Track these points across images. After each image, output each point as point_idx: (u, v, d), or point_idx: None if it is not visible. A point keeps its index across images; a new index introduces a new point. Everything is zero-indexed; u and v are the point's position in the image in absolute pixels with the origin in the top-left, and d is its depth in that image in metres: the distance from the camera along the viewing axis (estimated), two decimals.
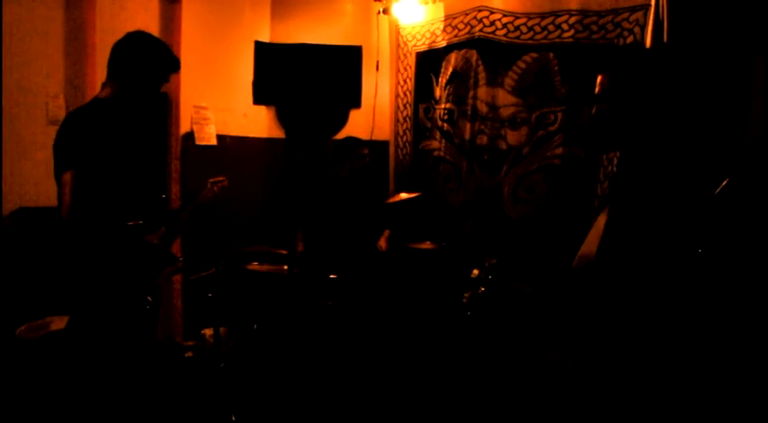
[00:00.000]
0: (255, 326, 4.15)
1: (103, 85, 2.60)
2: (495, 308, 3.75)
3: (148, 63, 2.58)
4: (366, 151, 4.77)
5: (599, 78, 2.05)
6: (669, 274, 1.79)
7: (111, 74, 2.58)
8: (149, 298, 2.62)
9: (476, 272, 3.84)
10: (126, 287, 2.54)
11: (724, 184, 1.74)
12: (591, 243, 2.02)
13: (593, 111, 2.06)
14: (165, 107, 4.35)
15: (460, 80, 4.65)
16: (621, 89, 1.96)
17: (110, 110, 2.52)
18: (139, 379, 2.71)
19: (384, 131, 5.31)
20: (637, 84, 1.95)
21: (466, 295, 3.83)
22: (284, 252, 3.95)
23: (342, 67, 5.26)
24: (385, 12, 5.16)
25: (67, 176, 2.32)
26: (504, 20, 4.33)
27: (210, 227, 4.23)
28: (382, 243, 4.66)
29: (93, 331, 2.54)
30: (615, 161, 3.80)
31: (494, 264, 3.81)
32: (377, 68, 5.27)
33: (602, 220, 2.04)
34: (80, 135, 2.41)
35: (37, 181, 3.57)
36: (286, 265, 3.87)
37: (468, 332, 3.86)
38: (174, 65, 2.70)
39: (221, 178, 3.13)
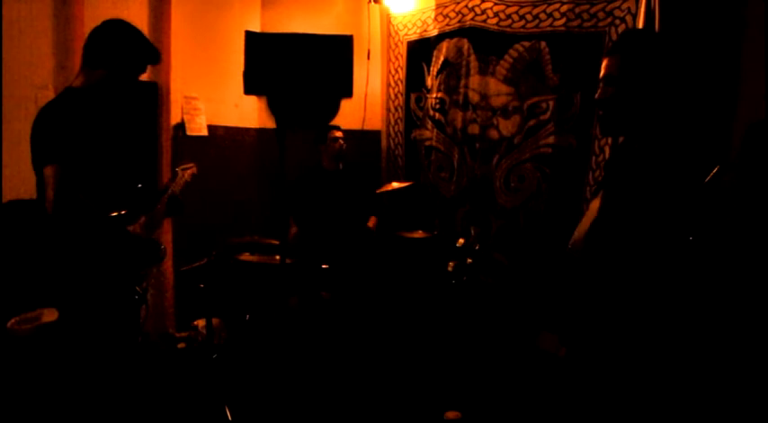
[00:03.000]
0: (248, 316, 4.15)
1: (78, 74, 2.55)
2: (479, 279, 3.77)
3: (124, 51, 2.52)
4: (339, 134, 4.75)
5: (605, 61, 2.02)
6: (660, 261, 1.80)
7: (85, 61, 2.53)
8: (137, 288, 2.61)
9: (461, 241, 3.85)
10: (114, 278, 2.53)
11: (714, 171, 1.75)
12: (584, 227, 2.02)
13: (598, 94, 2.03)
14: (154, 97, 4.31)
15: (452, 69, 4.64)
16: (633, 73, 1.95)
17: (85, 99, 2.47)
18: (130, 370, 2.70)
19: (376, 121, 5.31)
20: (648, 68, 1.93)
21: (451, 264, 3.85)
22: (276, 242, 3.94)
23: (333, 56, 5.23)
24: (376, 0, 5.15)
25: (49, 171, 2.29)
26: (496, 8, 4.31)
27: (202, 217, 4.22)
28: (371, 225, 4.67)
29: (84, 323, 2.53)
30: (607, 149, 3.80)
31: (479, 232, 3.82)
32: (368, 58, 5.26)
33: (595, 205, 2.04)
34: (56, 127, 2.37)
35: (27, 173, 3.54)
36: (278, 253, 3.87)
37: (455, 302, 3.88)
38: (151, 55, 2.64)
39: (190, 165, 3.09)
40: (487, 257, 3.84)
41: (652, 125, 1.94)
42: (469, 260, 3.77)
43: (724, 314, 1.90)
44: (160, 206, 2.88)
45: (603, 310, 1.91)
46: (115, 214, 2.43)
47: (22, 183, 3.54)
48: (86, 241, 2.40)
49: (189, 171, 3.07)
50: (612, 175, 2.14)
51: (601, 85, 2.02)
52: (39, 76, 3.66)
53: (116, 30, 2.56)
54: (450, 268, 3.85)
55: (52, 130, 2.37)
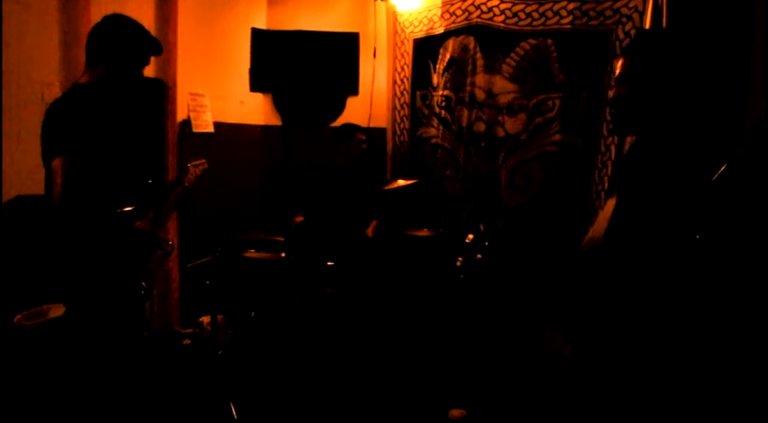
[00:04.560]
0: (253, 313, 4.16)
1: (84, 71, 2.57)
2: (489, 275, 3.77)
3: (126, 46, 2.54)
4: (364, 137, 4.77)
5: (619, 61, 2.02)
6: (669, 260, 1.79)
7: (90, 58, 2.55)
8: (143, 283, 2.62)
9: (471, 236, 3.86)
10: (119, 274, 2.53)
11: (722, 169, 1.74)
12: (600, 226, 2.02)
13: (612, 94, 2.04)
14: (161, 93, 4.31)
15: (458, 67, 4.64)
16: (644, 72, 1.95)
17: (91, 95, 2.49)
18: (135, 366, 2.71)
19: (381, 119, 5.30)
20: (659, 67, 1.94)
21: (459, 259, 3.85)
22: (281, 239, 3.94)
23: (339, 53, 5.26)
24: None
25: (57, 162, 2.31)
26: (502, 6, 4.30)
27: (207, 214, 4.23)
28: (369, 232, 4.65)
29: (90, 318, 2.53)
30: (613, 148, 3.79)
31: (488, 229, 3.83)
32: (374, 55, 5.25)
33: (611, 204, 2.04)
34: (65, 121, 2.39)
35: (33, 169, 3.55)
36: (283, 250, 3.87)
37: (462, 297, 3.87)
38: (153, 47, 2.65)
39: (202, 161, 3.11)
40: (497, 253, 3.84)
41: (664, 124, 1.94)
42: (479, 256, 3.77)
43: (731, 313, 1.89)
44: (170, 200, 2.89)
45: (621, 308, 1.91)
46: (124, 210, 2.44)
47: (25, 179, 3.57)
48: (93, 235, 2.40)
49: (200, 167, 3.09)
50: (627, 173, 2.14)
51: (615, 84, 2.03)
52: (44, 74, 3.67)
53: (114, 25, 2.57)
54: (458, 263, 3.86)
55: (60, 124, 2.40)
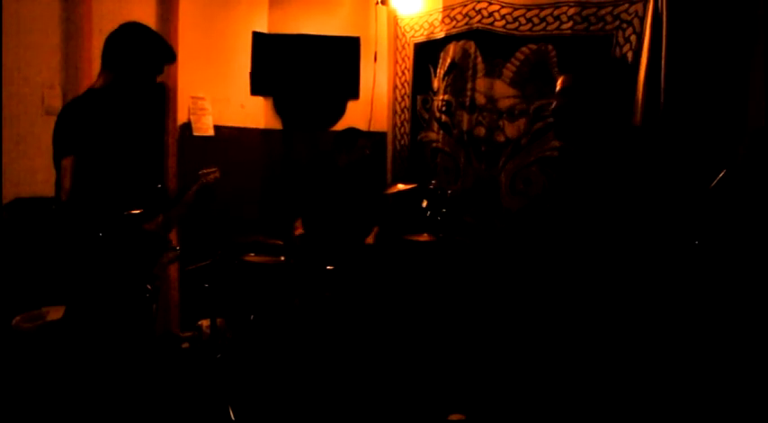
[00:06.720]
0: (252, 317, 4.15)
1: (99, 76, 2.61)
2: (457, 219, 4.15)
3: (142, 54, 2.58)
4: (367, 143, 4.75)
5: (560, 79, 2.35)
6: (665, 265, 1.80)
7: (105, 64, 2.60)
8: (149, 286, 2.63)
9: (434, 182, 4.32)
10: (125, 275, 2.55)
11: (721, 175, 1.74)
12: None
13: (554, 105, 2.37)
14: (163, 97, 4.33)
15: (459, 71, 4.64)
16: (583, 88, 2.27)
17: (105, 99, 2.53)
18: (136, 369, 2.71)
19: (382, 123, 5.30)
20: (598, 86, 2.26)
21: (425, 202, 4.26)
22: (280, 243, 3.94)
23: (340, 57, 5.27)
24: (383, 2, 5.14)
25: (67, 162, 2.35)
26: (503, 11, 4.31)
27: (207, 218, 4.23)
28: (370, 240, 4.64)
29: (92, 320, 2.54)
30: None
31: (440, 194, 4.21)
32: (375, 59, 5.26)
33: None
34: (77, 123, 2.44)
35: (34, 171, 3.56)
36: (283, 254, 3.87)
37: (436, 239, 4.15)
38: (168, 55, 2.70)
39: (213, 169, 3.15)
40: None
41: (596, 132, 2.24)
42: (444, 210, 4.13)
43: (732, 316, 1.89)
44: (180, 206, 2.93)
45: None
46: (132, 212, 2.46)
47: (24, 181, 3.58)
48: (97, 234, 2.42)
49: (212, 175, 3.14)
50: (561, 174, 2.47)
51: (557, 97, 2.35)
52: (44, 75, 3.68)
53: (132, 31, 2.62)
54: (423, 205, 4.23)
55: (71, 125, 2.45)
